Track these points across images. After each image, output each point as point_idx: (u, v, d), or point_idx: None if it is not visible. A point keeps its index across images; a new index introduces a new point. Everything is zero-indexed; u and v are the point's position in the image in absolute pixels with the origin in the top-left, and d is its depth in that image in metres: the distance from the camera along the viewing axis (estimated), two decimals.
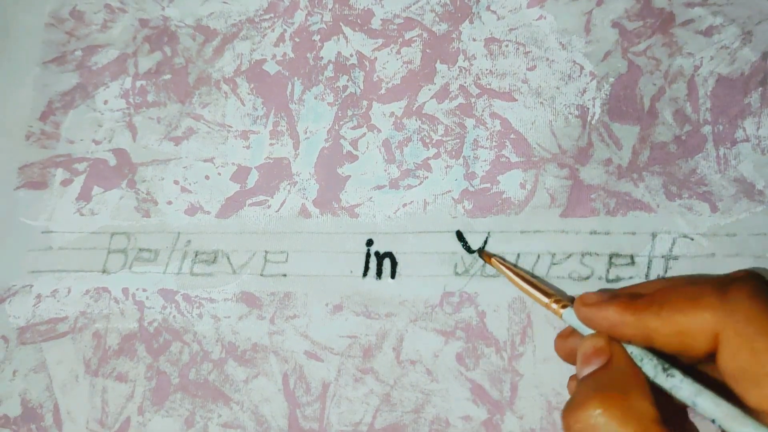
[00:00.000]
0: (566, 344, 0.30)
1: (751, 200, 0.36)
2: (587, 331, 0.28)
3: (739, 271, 0.26)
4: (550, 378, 0.35)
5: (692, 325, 0.24)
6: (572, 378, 0.30)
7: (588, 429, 0.23)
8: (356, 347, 0.37)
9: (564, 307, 0.30)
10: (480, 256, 0.36)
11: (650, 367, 0.25)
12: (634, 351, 0.26)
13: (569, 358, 0.30)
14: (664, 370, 0.25)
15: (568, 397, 0.34)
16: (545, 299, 0.32)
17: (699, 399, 0.24)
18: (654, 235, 0.36)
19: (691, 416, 0.29)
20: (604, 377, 0.25)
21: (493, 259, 0.35)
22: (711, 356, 0.24)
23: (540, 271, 0.36)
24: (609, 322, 0.26)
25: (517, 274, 0.34)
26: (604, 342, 0.26)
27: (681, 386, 0.24)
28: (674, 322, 0.24)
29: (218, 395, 0.37)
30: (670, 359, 0.26)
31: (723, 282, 0.24)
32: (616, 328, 0.26)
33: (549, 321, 0.35)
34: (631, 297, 0.26)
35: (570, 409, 0.24)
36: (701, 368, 0.26)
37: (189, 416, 0.37)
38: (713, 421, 0.23)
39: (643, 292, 0.26)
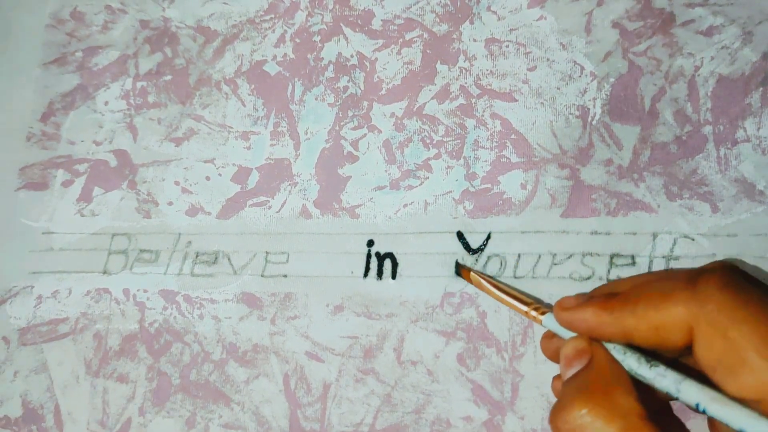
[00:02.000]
0: (551, 345, 0.30)
1: (751, 200, 0.36)
2: (569, 334, 0.28)
3: (713, 262, 0.26)
4: (551, 378, 0.35)
5: (666, 320, 0.24)
6: (555, 378, 0.30)
7: (575, 429, 0.23)
8: (357, 348, 0.37)
9: (543, 313, 0.31)
10: (457, 272, 0.36)
11: (633, 360, 0.26)
12: (616, 347, 0.26)
13: (555, 358, 0.30)
14: (647, 361, 0.25)
15: None
16: (524, 308, 0.32)
17: (682, 386, 0.24)
18: (655, 236, 0.36)
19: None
20: (587, 377, 0.25)
21: (471, 274, 0.35)
22: (689, 349, 0.24)
23: (541, 271, 0.36)
24: (587, 324, 0.26)
25: (496, 286, 0.34)
26: (584, 343, 0.26)
27: (665, 374, 0.24)
28: (649, 318, 0.24)
29: (219, 396, 0.37)
30: (651, 354, 0.26)
31: (693, 274, 0.24)
32: (595, 329, 0.26)
33: None
34: (607, 297, 0.26)
35: (556, 411, 0.24)
36: (683, 362, 0.27)
37: (190, 417, 0.37)
38: (697, 406, 0.23)
39: (619, 290, 0.27)
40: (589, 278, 0.36)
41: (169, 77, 0.42)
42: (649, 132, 0.37)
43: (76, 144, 0.42)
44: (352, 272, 0.38)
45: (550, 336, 0.30)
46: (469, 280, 0.36)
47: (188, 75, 0.42)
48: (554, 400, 0.34)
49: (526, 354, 0.35)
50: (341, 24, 0.42)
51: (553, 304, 0.30)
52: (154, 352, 0.38)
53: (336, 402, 0.36)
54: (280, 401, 0.36)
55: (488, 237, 0.37)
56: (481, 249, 0.37)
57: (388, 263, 0.37)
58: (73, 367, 0.38)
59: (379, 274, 0.37)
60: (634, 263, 0.35)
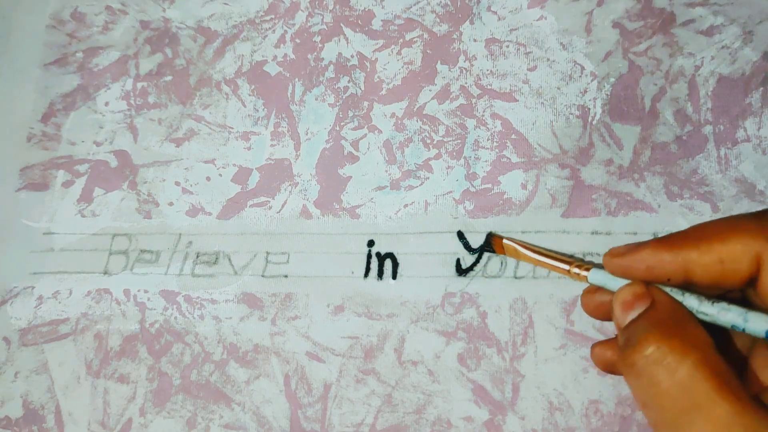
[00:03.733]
0: (593, 299, 0.30)
1: (752, 200, 0.36)
2: (617, 286, 0.28)
3: None
4: (552, 378, 0.35)
5: (733, 251, 0.24)
6: (597, 345, 0.30)
7: (650, 365, 0.23)
8: (358, 348, 0.37)
9: (587, 269, 0.30)
10: (488, 242, 0.36)
11: (693, 299, 0.26)
12: (673, 289, 0.26)
13: (596, 312, 0.30)
14: (708, 298, 0.25)
15: (569, 397, 0.34)
16: (565, 267, 0.31)
17: (750, 315, 0.24)
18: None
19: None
20: (654, 316, 0.25)
21: (504, 241, 0.35)
22: (749, 284, 0.24)
23: (542, 271, 0.36)
24: (645, 264, 0.26)
25: (533, 250, 0.34)
26: (642, 287, 0.26)
27: (729, 308, 0.25)
28: (714, 250, 0.24)
29: (220, 396, 0.37)
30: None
31: (759, 212, 0.25)
32: (653, 269, 0.26)
33: (550, 321, 0.35)
34: (665, 237, 0.26)
35: (628, 351, 0.24)
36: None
37: (191, 417, 0.37)
38: (766, 334, 0.23)
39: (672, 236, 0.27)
40: None
41: (169, 78, 0.42)
42: (649, 132, 0.37)
43: (77, 144, 0.42)
44: (353, 272, 0.38)
45: (592, 291, 0.30)
46: (502, 251, 0.35)
47: (189, 75, 0.42)
48: (555, 400, 0.34)
49: (527, 354, 0.35)
50: (341, 24, 0.42)
51: (591, 264, 0.30)
52: (155, 353, 0.38)
53: (337, 402, 0.36)
54: (280, 402, 0.36)
55: (489, 236, 0.37)
56: (482, 249, 0.37)
57: (388, 263, 0.37)
58: (74, 368, 0.38)
59: (380, 274, 0.37)
60: None
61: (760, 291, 0.24)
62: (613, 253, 0.27)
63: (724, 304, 0.25)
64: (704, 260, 0.25)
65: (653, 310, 0.25)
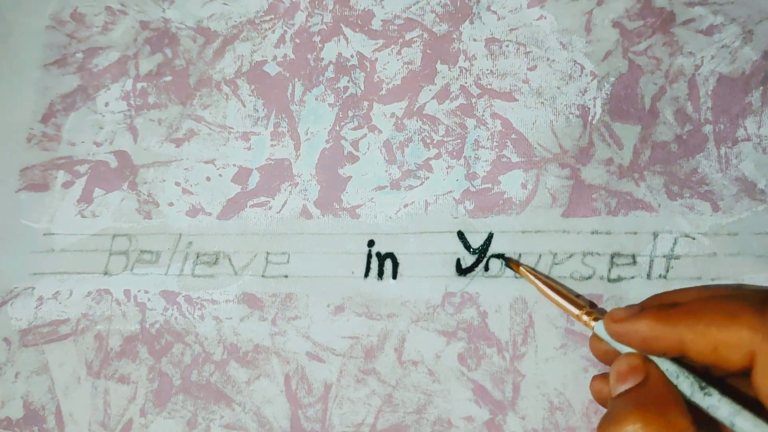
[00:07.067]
0: (600, 347, 0.30)
1: (752, 199, 0.36)
2: (619, 345, 0.27)
3: None
4: (553, 378, 0.35)
5: (728, 341, 0.23)
6: (596, 378, 0.30)
7: None
8: (358, 348, 0.37)
9: (596, 319, 0.30)
10: (506, 264, 0.36)
11: (686, 385, 0.25)
12: (669, 368, 0.26)
13: (604, 359, 0.30)
14: (701, 388, 0.25)
15: (570, 397, 0.34)
16: (576, 311, 0.31)
17: (737, 419, 0.23)
18: (655, 235, 0.36)
19: None
20: (641, 394, 0.25)
21: (521, 268, 0.35)
22: (744, 371, 0.24)
23: (541, 271, 0.36)
24: (641, 336, 0.26)
25: (546, 284, 0.34)
26: (639, 361, 0.26)
27: (719, 405, 0.24)
28: (710, 335, 0.24)
29: (220, 397, 0.37)
30: (702, 371, 0.25)
31: (763, 300, 0.24)
32: (648, 342, 0.25)
33: (551, 321, 0.35)
34: (664, 308, 0.25)
35: (607, 425, 0.24)
36: (732, 381, 0.26)
37: (191, 418, 0.37)
38: None
39: (677, 300, 0.26)
40: (589, 278, 0.36)
41: (169, 78, 0.42)
42: (649, 131, 0.37)
43: (77, 145, 0.42)
44: (353, 272, 0.38)
45: (599, 338, 0.30)
46: (518, 271, 0.35)
47: (188, 76, 0.42)
48: (556, 400, 0.34)
49: (527, 353, 0.35)
50: (341, 24, 0.42)
51: (605, 309, 0.30)
52: (155, 353, 0.38)
53: (337, 402, 0.36)
54: (281, 402, 0.36)
55: (489, 237, 0.37)
56: (483, 249, 0.37)
57: (388, 263, 0.37)
58: (75, 368, 0.38)
59: (380, 274, 0.37)
60: (635, 263, 0.35)
61: (753, 385, 0.23)
62: (614, 317, 0.27)
63: (714, 400, 0.24)
64: (698, 343, 0.24)
65: (642, 388, 0.25)
